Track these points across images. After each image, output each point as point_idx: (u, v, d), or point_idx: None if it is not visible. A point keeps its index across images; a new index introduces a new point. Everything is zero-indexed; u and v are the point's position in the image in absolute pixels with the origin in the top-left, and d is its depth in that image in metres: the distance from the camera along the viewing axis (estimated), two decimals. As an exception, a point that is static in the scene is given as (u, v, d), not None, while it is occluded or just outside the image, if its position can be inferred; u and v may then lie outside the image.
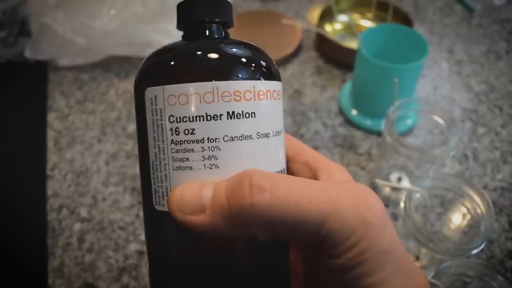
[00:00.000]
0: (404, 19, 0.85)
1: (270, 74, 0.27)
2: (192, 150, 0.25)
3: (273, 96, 0.27)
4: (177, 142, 0.25)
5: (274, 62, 0.29)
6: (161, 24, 0.82)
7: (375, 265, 0.23)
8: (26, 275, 0.59)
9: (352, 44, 0.83)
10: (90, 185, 0.67)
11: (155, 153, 0.26)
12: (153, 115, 0.26)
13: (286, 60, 0.86)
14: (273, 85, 0.27)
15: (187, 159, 0.25)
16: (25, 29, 0.83)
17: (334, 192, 0.23)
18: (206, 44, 0.27)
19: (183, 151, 0.25)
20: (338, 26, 0.92)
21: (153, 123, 0.26)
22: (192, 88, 0.25)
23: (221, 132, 0.25)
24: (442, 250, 0.48)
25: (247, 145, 0.25)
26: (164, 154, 0.25)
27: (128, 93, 0.81)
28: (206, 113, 0.25)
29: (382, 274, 0.23)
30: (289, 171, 0.31)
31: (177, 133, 0.25)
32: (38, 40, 0.81)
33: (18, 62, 0.81)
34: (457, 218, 0.58)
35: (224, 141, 0.25)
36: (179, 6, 0.29)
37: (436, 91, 0.81)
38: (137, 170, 0.69)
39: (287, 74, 0.84)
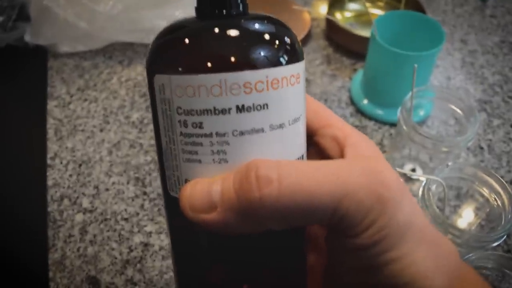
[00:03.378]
0: (417, 8, 0.82)
1: (292, 55, 0.24)
2: (201, 144, 0.23)
3: (290, 82, 0.24)
4: (185, 135, 0.23)
5: (298, 39, 0.26)
6: (167, 10, 0.79)
7: (396, 240, 0.22)
8: (27, 268, 0.57)
9: (363, 32, 0.80)
10: (92, 175, 0.65)
11: (166, 142, 0.24)
12: (162, 104, 0.24)
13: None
14: (292, 69, 0.24)
15: (196, 153, 0.23)
16: (25, 14, 0.80)
17: (346, 172, 0.22)
18: (216, 26, 0.24)
19: (192, 144, 0.23)
20: (348, 14, 0.89)
21: (163, 113, 0.24)
22: (198, 80, 0.22)
23: (230, 126, 0.23)
24: (462, 242, 0.46)
25: (258, 138, 0.23)
26: (174, 144, 0.24)
27: (131, 81, 0.78)
28: (214, 107, 0.22)
29: (405, 248, 0.22)
30: (317, 146, 0.28)
31: (185, 125, 0.23)
32: (38, 25, 0.78)
33: (17, 47, 0.78)
34: (475, 210, 0.55)
35: (233, 135, 0.23)
36: None
37: (450, 82, 0.79)
38: (141, 159, 0.66)
39: (296, 62, 0.81)
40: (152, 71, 0.24)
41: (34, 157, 0.68)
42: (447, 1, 0.98)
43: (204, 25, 0.25)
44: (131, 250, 0.56)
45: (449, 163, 0.50)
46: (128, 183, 0.64)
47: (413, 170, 0.64)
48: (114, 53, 0.84)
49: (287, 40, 0.25)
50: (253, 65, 0.23)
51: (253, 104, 0.23)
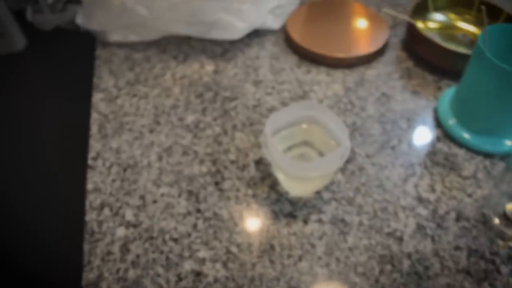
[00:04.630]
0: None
1: None
2: None
3: None
4: None
5: None
6: (233, 2, 0.70)
7: None
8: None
9: (451, 46, 0.69)
10: (138, 182, 0.56)
11: None
12: None
13: (370, 58, 0.73)
14: None
15: None
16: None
17: None
18: None
19: None
20: (431, 25, 0.79)
21: None
22: None
23: None
24: None
25: None
26: None
27: (187, 78, 0.70)
28: None
29: None
30: None
31: None
32: (90, 8, 0.70)
33: (66, 31, 0.71)
34: None
35: None
36: None
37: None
38: (195, 170, 0.57)
39: (372, 74, 0.72)
40: None
41: (75, 154, 0.60)
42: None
43: None
44: (180, 279, 0.47)
45: None
46: (179, 196, 0.55)
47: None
48: (168, 47, 0.76)
49: None
50: None
51: None
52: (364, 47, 0.74)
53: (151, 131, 0.62)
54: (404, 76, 0.72)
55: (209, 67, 0.72)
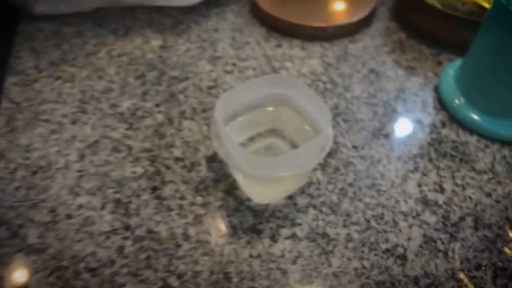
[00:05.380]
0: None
1: None
2: None
3: None
4: None
5: None
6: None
7: None
8: None
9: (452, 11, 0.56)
10: (49, 190, 0.41)
11: None
12: None
13: (354, 29, 0.60)
14: None
15: None
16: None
17: None
18: None
19: None
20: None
21: None
22: None
23: None
24: None
25: None
26: None
27: (126, 56, 0.55)
28: None
29: None
30: None
31: None
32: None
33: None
34: None
35: None
36: None
37: None
38: (127, 171, 0.43)
39: (357, 48, 0.58)
40: None
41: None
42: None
43: None
44: (95, 329, 0.33)
45: None
46: (103, 208, 0.40)
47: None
48: (106, 20, 0.61)
49: None
50: None
51: None
52: (346, 16, 0.60)
53: (73, 122, 0.48)
54: (396, 50, 0.58)
55: (155, 42, 0.58)
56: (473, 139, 0.48)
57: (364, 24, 0.61)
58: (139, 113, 0.49)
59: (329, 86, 0.52)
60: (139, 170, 0.43)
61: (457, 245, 0.39)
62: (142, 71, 0.54)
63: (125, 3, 0.61)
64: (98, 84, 0.52)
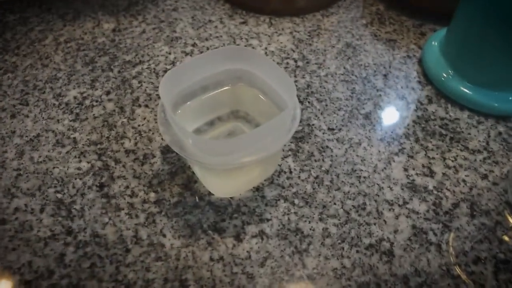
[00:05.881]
0: None
1: None
2: None
3: None
4: None
5: None
6: None
7: None
8: None
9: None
10: (-21, 194, 0.36)
11: None
12: None
13: (326, 2, 0.54)
14: None
15: None
16: None
17: None
18: None
19: None
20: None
21: None
22: None
23: None
24: None
25: None
26: None
27: (74, 41, 0.49)
28: None
29: None
30: None
31: None
32: None
33: None
34: None
35: None
36: None
37: None
38: (71, 167, 0.37)
39: (331, 21, 0.52)
40: None
41: None
42: None
43: None
44: None
45: None
46: (42, 210, 0.35)
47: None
48: (55, 4, 0.55)
49: None
50: None
51: None
52: (318, -12, 0.54)
53: (13, 116, 0.42)
54: (375, 22, 0.53)
55: (108, 25, 0.52)
56: (464, 115, 0.43)
57: (338, -4, 0.56)
58: (87, 102, 0.43)
59: (300, 63, 0.47)
60: (84, 165, 0.38)
61: (451, 236, 0.34)
62: (92, 56, 0.48)
63: (75, -16, 0.55)
64: (43, 73, 0.46)
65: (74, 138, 0.40)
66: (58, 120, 0.41)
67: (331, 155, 0.38)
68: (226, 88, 0.35)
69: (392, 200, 0.35)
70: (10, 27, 0.52)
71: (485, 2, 0.38)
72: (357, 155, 0.38)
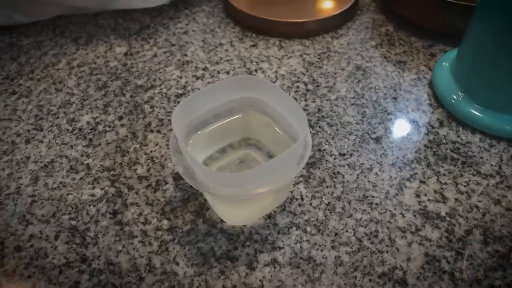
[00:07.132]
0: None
1: None
2: None
3: None
4: None
5: None
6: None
7: None
8: None
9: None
10: (-5, 221, 0.36)
11: None
12: None
13: (336, 23, 0.55)
14: None
15: None
16: None
17: None
18: None
19: None
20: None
21: None
22: None
23: None
24: None
25: None
26: None
27: (87, 66, 0.50)
28: None
29: None
30: None
31: None
32: None
33: None
34: None
35: None
36: None
37: None
38: (85, 194, 0.38)
39: (341, 43, 0.53)
40: None
41: None
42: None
43: None
44: None
45: None
46: (56, 237, 0.35)
47: None
48: (68, 28, 0.56)
49: None
50: None
51: None
52: (327, 9, 0.55)
53: (27, 141, 0.42)
54: (384, 44, 0.53)
55: (120, 48, 0.52)
56: (475, 138, 0.43)
57: (347, 17, 0.56)
58: (100, 127, 0.43)
59: (310, 87, 0.47)
60: (98, 192, 0.38)
61: (464, 264, 0.33)
62: (105, 81, 0.48)
63: (87, 10, 0.56)
64: (56, 97, 0.47)
65: (88, 164, 0.40)
66: (71, 146, 0.42)
67: (343, 181, 0.39)
68: (238, 116, 0.35)
69: (404, 227, 0.35)
70: (24, 51, 0.53)
71: (495, 23, 0.38)
72: (368, 181, 0.39)
